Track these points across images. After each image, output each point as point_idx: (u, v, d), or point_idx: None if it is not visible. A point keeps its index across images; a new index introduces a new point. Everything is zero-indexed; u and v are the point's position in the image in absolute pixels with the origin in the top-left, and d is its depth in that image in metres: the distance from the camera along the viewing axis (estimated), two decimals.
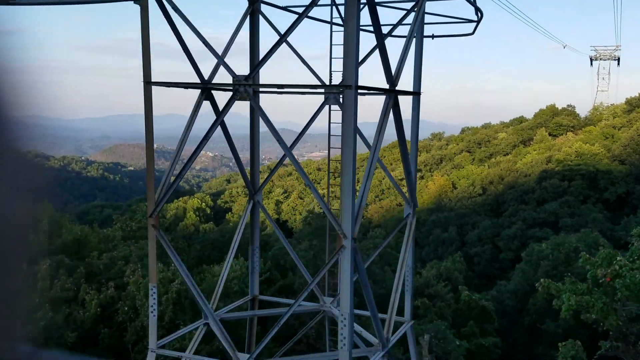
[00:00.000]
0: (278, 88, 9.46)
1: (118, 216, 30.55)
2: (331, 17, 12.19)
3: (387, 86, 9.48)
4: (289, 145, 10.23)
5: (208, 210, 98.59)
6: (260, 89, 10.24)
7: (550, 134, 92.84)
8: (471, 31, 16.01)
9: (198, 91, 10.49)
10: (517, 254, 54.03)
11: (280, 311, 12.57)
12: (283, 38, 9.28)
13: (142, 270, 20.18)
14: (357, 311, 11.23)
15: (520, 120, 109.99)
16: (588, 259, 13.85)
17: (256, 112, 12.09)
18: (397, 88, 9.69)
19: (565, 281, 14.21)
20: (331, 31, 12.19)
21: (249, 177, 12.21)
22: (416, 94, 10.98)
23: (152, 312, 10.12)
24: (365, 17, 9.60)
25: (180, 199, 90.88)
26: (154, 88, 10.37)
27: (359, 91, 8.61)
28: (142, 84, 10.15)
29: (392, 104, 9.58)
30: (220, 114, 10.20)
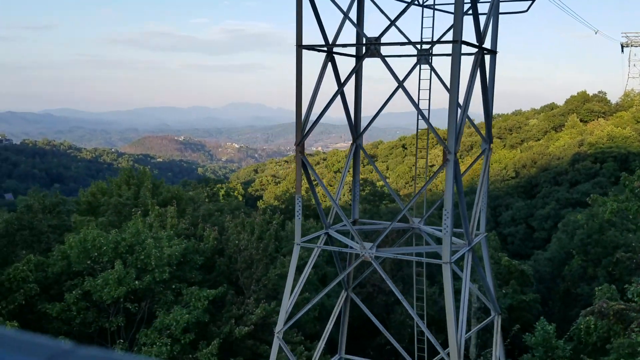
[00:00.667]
0: (401, 45, 12.73)
1: (195, 183, 34.37)
2: None
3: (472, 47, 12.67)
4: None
5: (240, 198, 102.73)
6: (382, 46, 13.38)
7: (581, 120, 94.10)
8: (525, 8, 18.96)
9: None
10: (551, 233, 56.40)
11: (378, 228, 16.06)
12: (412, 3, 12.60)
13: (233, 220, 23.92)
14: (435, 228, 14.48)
15: (551, 107, 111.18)
16: (627, 177, 16.99)
17: (360, 72, 15.33)
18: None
19: (609, 195, 17.51)
20: None
21: (353, 121, 15.50)
22: (494, 52, 14.19)
23: (297, 216, 13.64)
24: None
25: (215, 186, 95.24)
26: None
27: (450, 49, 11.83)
28: (295, 47, 13.24)
29: (480, 60, 12.81)
30: (354, 74, 13.53)
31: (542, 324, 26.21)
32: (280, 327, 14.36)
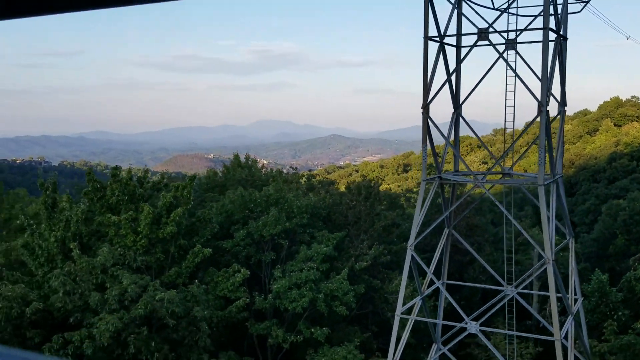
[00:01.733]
0: (500, 32, 18.41)
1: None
2: None
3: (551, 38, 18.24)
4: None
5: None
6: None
7: (615, 124, 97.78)
8: (579, 9, 24.45)
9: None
10: (591, 227, 60.58)
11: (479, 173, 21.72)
12: None
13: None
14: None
15: (585, 112, 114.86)
16: None
17: (459, 60, 21.00)
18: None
19: None
20: None
21: (454, 92, 21.08)
22: (567, 39, 19.80)
23: (424, 160, 19.36)
24: None
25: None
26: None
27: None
28: (422, 39, 18.99)
29: (559, 47, 18.38)
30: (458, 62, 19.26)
31: (597, 274, 31.19)
32: (412, 241, 19.93)
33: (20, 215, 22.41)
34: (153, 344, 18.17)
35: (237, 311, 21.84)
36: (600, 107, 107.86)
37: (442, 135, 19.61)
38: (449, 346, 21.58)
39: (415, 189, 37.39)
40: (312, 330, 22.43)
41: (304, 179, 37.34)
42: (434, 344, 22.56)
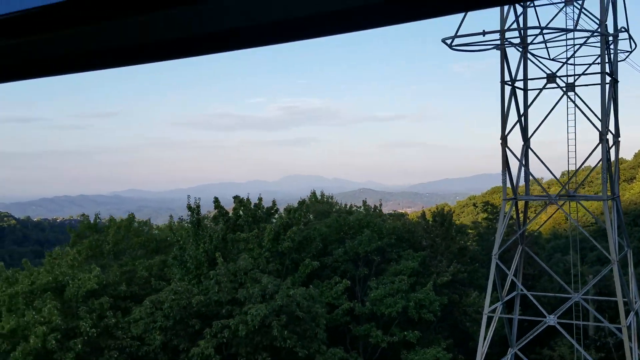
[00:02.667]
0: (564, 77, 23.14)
1: None
2: None
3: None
4: None
5: None
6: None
7: None
8: (624, 57, 29.12)
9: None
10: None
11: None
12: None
13: None
14: None
15: (620, 162, 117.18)
16: None
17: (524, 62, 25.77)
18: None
19: None
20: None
21: (523, 126, 25.61)
22: (618, 81, 24.37)
23: (503, 183, 23.77)
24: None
25: None
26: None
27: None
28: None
29: (613, 87, 22.98)
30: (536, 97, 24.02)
31: None
32: (496, 250, 24.03)
33: (171, 233, 27.41)
34: (285, 332, 22.38)
35: (342, 315, 25.94)
36: (636, 155, 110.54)
37: (519, 160, 24.07)
38: (523, 342, 25.10)
39: (471, 225, 41.04)
40: (405, 333, 26.24)
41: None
42: (510, 349, 26.02)
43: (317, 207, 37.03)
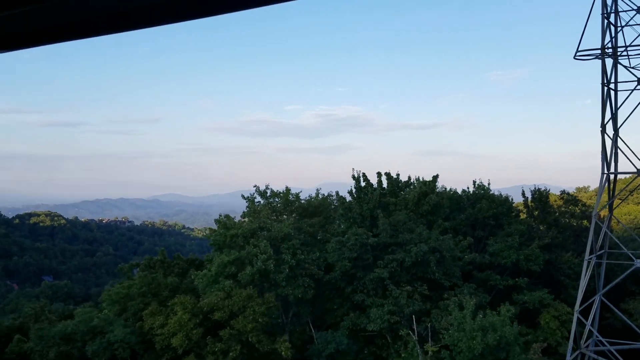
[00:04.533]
0: None
1: None
2: None
3: None
4: None
5: None
6: None
7: None
8: None
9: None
10: None
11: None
12: None
13: None
14: None
15: None
16: None
17: None
18: None
19: None
20: None
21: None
22: None
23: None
24: None
25: None
26: None
27: None
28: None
29: None
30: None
31: None
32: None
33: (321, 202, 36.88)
34: (435, 267, 31.12)
35: (467, 263, 34.53)
36: None
37: (613, 141, 32.34)
38: None
39: None
40: (516, 279, 34.58)
41: None
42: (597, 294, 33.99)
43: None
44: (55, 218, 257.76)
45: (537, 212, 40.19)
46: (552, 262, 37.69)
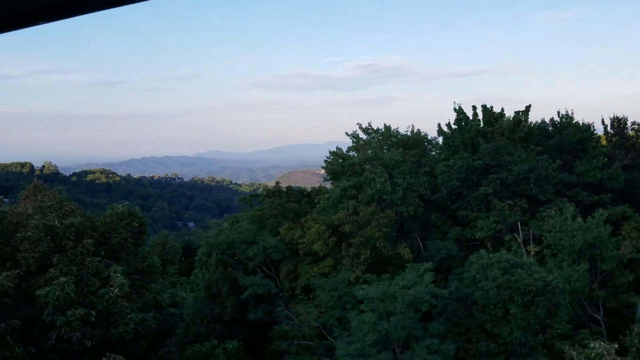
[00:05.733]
0: None
1: None
2: None
3: None
4: None
5: None
6: None
7: None
8: None
9: None
10: None
11: None
12: None
13: None
14: None
15: None
16: None
17: None
18: None
19: None
20: None
21: None
22: None
23: None
24: None
25: None
26: None
27: None
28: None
29: None
30: None
31: None
32: None
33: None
34: (533, 185, 36.45)
35: (556, 183, 39.62)
36: None
37: None
38: None
39: None
40: (600, 196, 39.51)
41: None
42: None
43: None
44: (110, 175, 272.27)
45: (615, 139, 44.64)
46: (631, 181, 42.37)
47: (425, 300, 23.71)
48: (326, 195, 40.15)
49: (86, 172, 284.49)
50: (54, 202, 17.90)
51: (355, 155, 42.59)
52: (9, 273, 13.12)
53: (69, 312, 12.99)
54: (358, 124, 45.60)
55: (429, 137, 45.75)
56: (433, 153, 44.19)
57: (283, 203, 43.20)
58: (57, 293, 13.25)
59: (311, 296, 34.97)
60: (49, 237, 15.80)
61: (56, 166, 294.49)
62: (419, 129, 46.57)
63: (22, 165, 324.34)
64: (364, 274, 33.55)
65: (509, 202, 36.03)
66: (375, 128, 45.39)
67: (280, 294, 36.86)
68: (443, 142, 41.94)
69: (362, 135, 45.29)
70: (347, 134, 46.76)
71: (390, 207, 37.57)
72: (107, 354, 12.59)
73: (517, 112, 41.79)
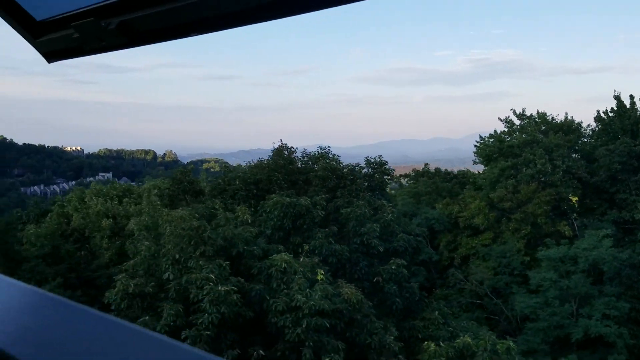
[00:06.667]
0: None
1: None
2: None
3: None
4: None
5: None
6: None
7: None
8: None
9: None
10: None
11: None
12: None
13: None
14: None
15: None
16: None
17: None
18: None
19: None
20: None
21: None
22: None
23: None
24: None
25: None
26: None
27: None
28: None
29: None
30: None
31: None
32: None
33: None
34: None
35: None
36: None
37: None
38: None
39: None
40: None
41: None
42: None
43: None
44: (223, 165, 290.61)
45: None
46: None
47: (608, 261, 26.62)
48: (483, 174, 43.54)
49: (202, 161, 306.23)
50: None
51: (509, 139, 45.50)
52: (319, 196, 19.01)
53: (367, 225, 18.25)
54: (512, 109, 48.35)
55: (582, 124, 47.46)
56: (585, 139, 45.93)
57: (437, 182, 47.19)
58: (358, 211, 18.61)
59: (469, 264, 38.71)
60: (334, 176, 21.88)
61: (176, 154, 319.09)
62: (572, 116, 48.41)
63: (146, 152, 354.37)
64: (524, 247, 36.78)
65: None
66: (528, 114, 47.94)
67: (439, 262, 41.04)
68: (601, 129, 43.64)
69: (516, 121, 48.01)
70: (499, 119, 49.64)
71: (549, 188, 40.22)
72: (393, 258, 17.64)
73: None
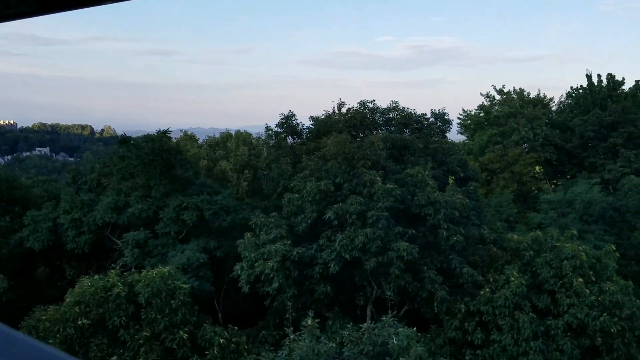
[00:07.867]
0: None
1: None
2: None
3: None
4: None
5: None
6: None
7: None
8: None
9: None
10: None
11: None
12: None
13: None
14: None
15: None
16: None
17: None
18: None
19: None
20: None
21: None
22: None
23: None
24: None
25: None
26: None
27: None
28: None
29: None
30: None
31: None
32: None
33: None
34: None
35: None
36: None
37: None
38: None
39: None
40: None
41: None
42: None
43: None
44: None
45: None
46: None
47: (599, 202, 33.20)
48: (472, 141, 49.98)
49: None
50: None
51: (492, 110, 52.06)
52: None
53: (452, 155, 24.39)
54: (492, 85, 54.89)
55: (553, 100, 54.79)
56: (554, 114, 53.33)
57: None
58: (444, 146, 24.71)
59: None
60: (412, 121, 27.98)
61: (114, 130, 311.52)
62: (544, 93, 55.60)
63: (83, 127, 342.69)
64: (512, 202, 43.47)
65: (634, 151, 44.89)
66: (506, 90, 54.65)
67: None
68: (574, 102, 50.93)
69: (497, 96, 54.61)
70: (481, 94, 56.04)
71: (531, 152, 46.97)
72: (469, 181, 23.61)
73: (637, 81, 50.44)
